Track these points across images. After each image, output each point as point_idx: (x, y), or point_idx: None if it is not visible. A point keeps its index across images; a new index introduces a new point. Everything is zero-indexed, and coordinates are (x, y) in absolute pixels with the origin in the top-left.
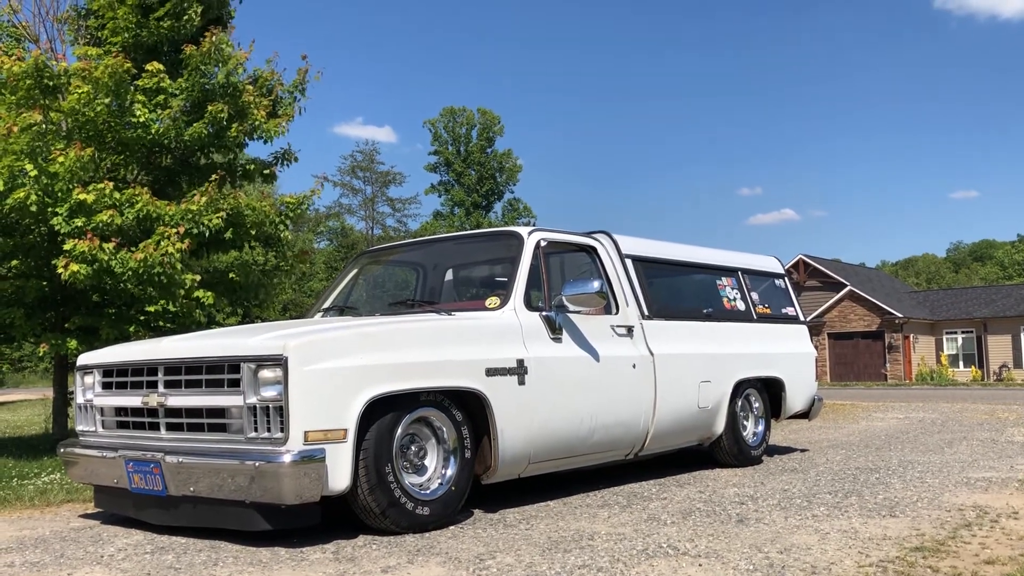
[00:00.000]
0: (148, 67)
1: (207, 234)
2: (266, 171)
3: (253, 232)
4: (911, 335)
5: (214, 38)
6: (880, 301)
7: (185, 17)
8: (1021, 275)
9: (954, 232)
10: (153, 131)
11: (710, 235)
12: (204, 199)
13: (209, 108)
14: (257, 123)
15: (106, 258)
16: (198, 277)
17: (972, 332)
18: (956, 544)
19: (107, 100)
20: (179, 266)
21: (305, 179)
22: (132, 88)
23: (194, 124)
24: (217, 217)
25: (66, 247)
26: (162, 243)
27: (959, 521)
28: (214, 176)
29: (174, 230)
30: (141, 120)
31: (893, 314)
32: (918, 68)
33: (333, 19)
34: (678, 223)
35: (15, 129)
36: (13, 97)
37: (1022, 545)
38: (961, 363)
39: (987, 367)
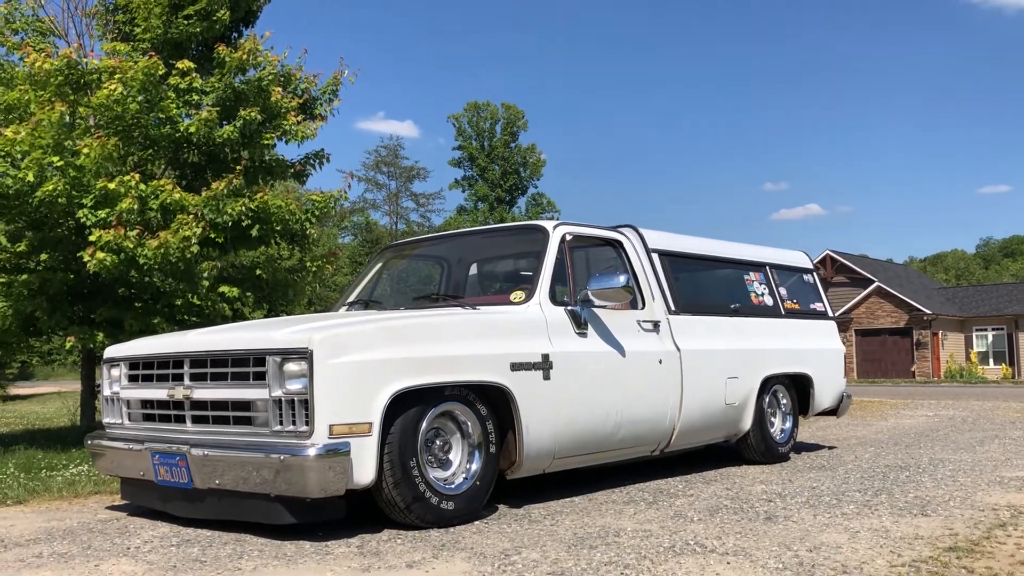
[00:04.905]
0: (179, 64)
1: (230, 224)
2: (294, 170)
3: (279, 228)
4: (940, 332)
5: (252, 44)
6: (908, 297)
7: (215, 18)
8: None
9: (984, 228)
10: (182, 128)
11: (735, 230)
12: (223, 184)
13: (241, 112)
14: (288, 127)
15: (131, 246)
16: (217, 264)
17: (1003, 329)
18: (991, 544)
19: (139, 98)
20: (196, 249)
21: (329, 173)
22: (164, 86)
23: (225, 127)
24: (240, 205)
25: (92, 238)
26: (180, 230)
27: (993, 521)
28: (238, 167)
29: (191, 217)
30: (171, 116)
31: (921, 311)
32: (946, 61)
33: (353, 12)
34: (703, 218)
35: (41, 123)
36: (44, 93)
37: None
38: (991, 360)
39: (1018, 364)
